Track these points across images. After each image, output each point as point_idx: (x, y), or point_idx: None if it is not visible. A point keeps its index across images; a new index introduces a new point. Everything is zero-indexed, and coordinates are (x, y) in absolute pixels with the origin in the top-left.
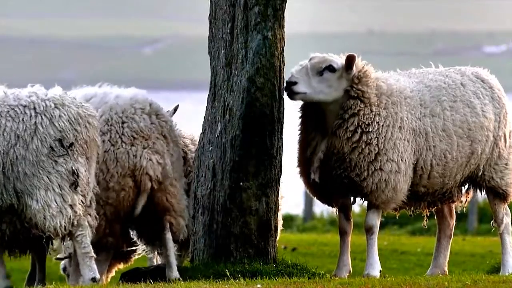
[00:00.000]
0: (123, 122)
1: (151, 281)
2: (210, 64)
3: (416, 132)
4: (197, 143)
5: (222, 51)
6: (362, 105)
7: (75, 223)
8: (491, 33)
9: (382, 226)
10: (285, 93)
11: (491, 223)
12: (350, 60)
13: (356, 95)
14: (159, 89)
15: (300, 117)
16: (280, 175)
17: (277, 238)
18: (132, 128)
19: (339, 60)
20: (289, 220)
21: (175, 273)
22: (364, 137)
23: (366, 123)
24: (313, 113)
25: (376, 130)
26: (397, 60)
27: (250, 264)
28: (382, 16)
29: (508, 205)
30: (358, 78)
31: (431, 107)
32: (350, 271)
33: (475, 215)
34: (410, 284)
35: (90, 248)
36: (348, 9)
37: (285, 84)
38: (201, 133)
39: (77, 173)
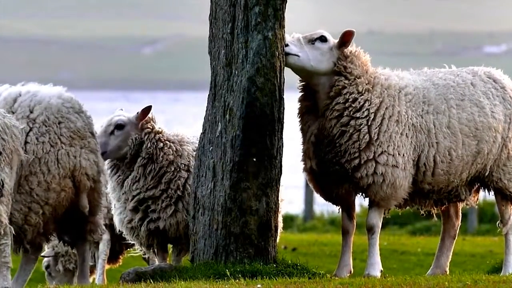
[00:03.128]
0: (59, 123)
1: (151, 281)
2: (210, 64)
3: (417, 128)
4: (185, 144)
5: (223, 51)
6: (346, 82)
7: (1, 232)
8: (491, 33)
9: (382, 226)
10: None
11: (497, 223)
12: (347, 35)
13: (338, 70)
14: (159, 89)
15: (298, 104)
16: (280, 175)
17: (277, 239)
18: (70, 128)
19: (328, 33)
20: (289, 220)
21: (88, 281)
22: (353, 122)
23: (354, 106)
24: (307, 96)
25: (365, 117)
26: (397, 60)
27: (250, 264)
28: (382, 16)
29: None
30: (345, 56)
31: (435, 104)
32: (351, 271)
33: (475, 215)
34: (410, 284)
35: (10, 259)
36: (349, 9)
37: None
38: (201, 133)
39: (3, 183)
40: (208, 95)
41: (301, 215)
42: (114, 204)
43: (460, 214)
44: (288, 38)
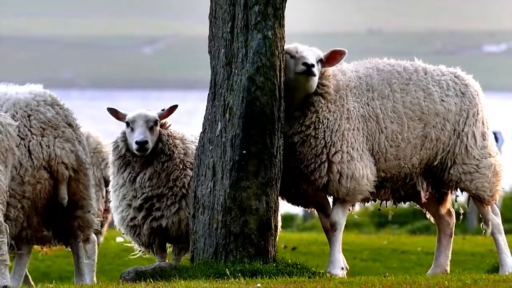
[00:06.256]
0: (29, 116)
1: (151, 280)
2: (210, 63)
3: (366, 117)
4: (187, 142)
5: (222, 50)
6: (323, 101)
7: None
8: (491, 32)
9: (382, 225)
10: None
11: (481, 225)
12: (336, 53)
13: (322, 91)
14: (159, 88)
15: None
16: (280, 174)
17: (277, 237)
18: (40, 120)
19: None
20: (289, 219)
21: (86, 280)
22: (313, 132)
23: (320, 120)
24: None
25: (326, 125)
26: (397, 59)
27: (250, 263)
28: (382, 15)
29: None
30: (321, 73)
31: (379, 89)
32: (347, 268)
33: (475, 214)
34: (410, 283)
35: (7, 256)
36: (349, 8)
37: (303, 66)
38: (201, 132)
39: None
40: (208, 94)
41: (301, 214)
42: (118, 202)
43: (453, 212)
44: (310, 56)
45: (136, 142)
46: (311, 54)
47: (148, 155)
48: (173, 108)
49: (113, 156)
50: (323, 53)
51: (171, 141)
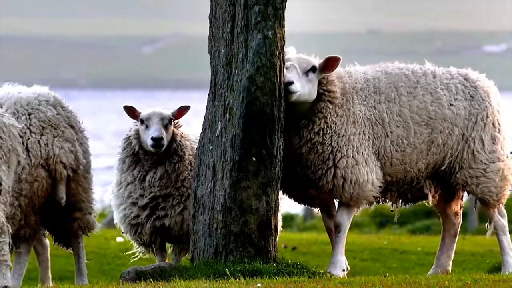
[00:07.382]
0: (29, 114)
1: (151, 280)
2: (210, 63)
3: (372, 121)
4: (193, 143)
5: (222, 50)
6: (331, 107)
7: None
8: (491, 32)
9: (383, 225)
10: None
11: (486, 225)
12: (332, 61)
13: (328, 98)
14: (159, 88)
15: None
16: (280, 174)
17: (277, 237)
18: (40, 118)
19: (316, 61)
20: (289, 219)
21: (86, 281)
22: (321, 139)
23: (328, 125)
24: None
25: (333, 130)
26: (397, 59)
27: (250, 263)
28: (383, 15)
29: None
30: (325, 78)
31: (386, 92)
32: (348, 268)
33: (476, 214)
34: (410, 283)
35: (8, 257)
36: (349, 9)
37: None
38: (201, 132)
39: (0, 181)
40: (208, 94)
41: (301, 214)
42: (123, 199)
43: (461, 213)
44: (287, 72)
45: (152, 138)
46: (292, 69)
47: (161, 154)
48: (184, 108)
49: (124, 153)
50: (317, 61)
51: (183, 142)
